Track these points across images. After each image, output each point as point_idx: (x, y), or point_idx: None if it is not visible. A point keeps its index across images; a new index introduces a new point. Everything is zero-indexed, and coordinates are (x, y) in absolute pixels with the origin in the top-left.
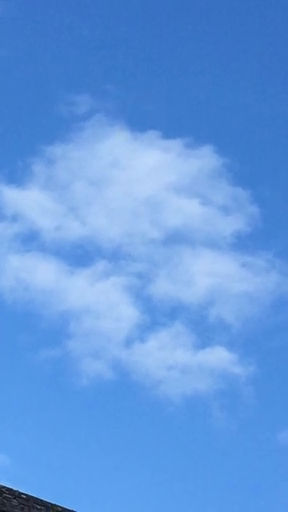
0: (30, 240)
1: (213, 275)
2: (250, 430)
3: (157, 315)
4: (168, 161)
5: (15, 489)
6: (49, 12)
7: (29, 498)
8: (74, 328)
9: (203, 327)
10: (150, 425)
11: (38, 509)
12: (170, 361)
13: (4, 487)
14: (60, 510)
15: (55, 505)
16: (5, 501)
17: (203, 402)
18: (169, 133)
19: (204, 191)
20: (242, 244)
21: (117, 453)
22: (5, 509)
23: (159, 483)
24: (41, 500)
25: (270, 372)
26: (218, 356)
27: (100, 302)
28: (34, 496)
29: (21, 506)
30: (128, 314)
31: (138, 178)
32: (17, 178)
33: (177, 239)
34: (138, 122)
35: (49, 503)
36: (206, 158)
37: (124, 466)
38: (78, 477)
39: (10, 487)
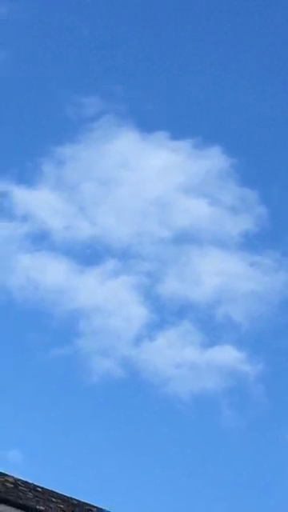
0: (40, 239)
1: (221, 274)
2: (258, 427)
3: (165, 314)
4: (176, 161)
5: (30, 482)
6: (53, 14)
7: (44, 490)
8: (84, 326)
9: (211, 326)
10: (159, 422)
11: (53, 501)
12: (179, 359)
13: (20, 480)
14: (75, 502)
15: (70, 497)
16: (20, 494)
17: (212, 400)
18: (177, 134)
19: (212, 192)
20: (250, 244)
21: (126, 449)
22: (21, 501)
23: (168, 479)
24: (56, 493)
25: (279, 370)
26: (227, 354)
27: (109, 300)
28: (50, 489)
29: (36, 498)
30: (137, 312)
31: (146, 178)
32: (27, 179)
33: (185, 239)
34: (147, 123)
35: (64, 496)
36: (214, 159)
37: (133, 462)
38: (88, 471)
39: (26, 480)
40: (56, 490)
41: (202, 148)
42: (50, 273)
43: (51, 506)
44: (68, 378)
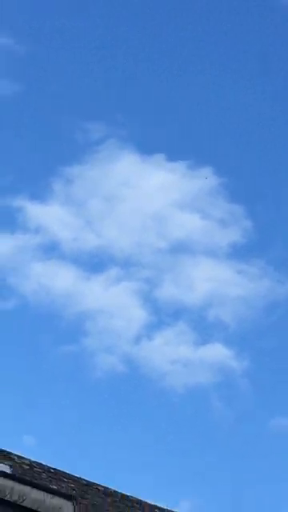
0: (51, 249)
1: (211, 281)
2: (245, 417)
3: (162, 316)
4: (172, 181)
5: (44, 464)
6: (61, 49)
7: (57, 472)
8: (90, 327)
9: (203, 326)
10: (156, 412)
11: (65, 481)
12: (174, 356)
13: (35, 462)
14: (85, 482)
15: (80, 478)
16: (35, 474)
17: (203, 393)
18: (173, 156)
19: (204, 207)
20: (238, 253)
21: (127, 436)
22: (36, 481)
23: (164, 462)
24: (67, 473)
25: (263, 366)
26: (217, 352)
27: (112, 304)
28: (61, 470)
29: (49, 478)
30: (137, 314)
31: (145, 195)
32: (39, 196)
33: (180, 249)
34: (146, 147)
35: (75, 476)
36: (205, 179)
37: (134, 446)
38: (95, 454)
39: (40, 462)
40: (67, 471)
41: (194, 169)
42: (60, 279)
43: (63, 485)
44: (75, 373)
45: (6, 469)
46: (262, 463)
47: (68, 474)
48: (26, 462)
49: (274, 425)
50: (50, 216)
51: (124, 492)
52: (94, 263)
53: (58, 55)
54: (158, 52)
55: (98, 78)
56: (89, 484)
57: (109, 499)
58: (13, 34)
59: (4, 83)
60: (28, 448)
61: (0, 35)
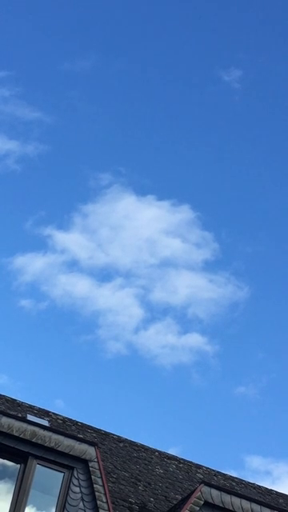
0: (72, 265)
1: (190, 287)
2: (215, 386)
3: (154, 313)
4: (160, 214)
5: (73, 419)
6: (79, 114)
7: (83, 425)
8: (102, 321)
9: (184, 320)
10: (150, 384)
11: (89, 432)
12: (163, 342)
13: (67, 418)
14: (103, 432)
15: (100, 429)
16: (67, 427)
17: (185, 369)
18: (161, 197)
19: (184, 233)
20: (209, 267)
21: (130, 400)
22: (67, 432)
23: (157, 420)
24: (91, 426)
25: (228, 349)
26: (194, 339)
27: (118, 304)
28: (86, 423)
29: (77, 430)
30: (136, 312)
31: (141, 225)
32: (64, 226)
33: (167, 264)
34: (141, 190)
35: (96, 428)
36: (184, 213)
37: (135, 409)
38: (111, 411)
39: (70, 418)
40: (90, 424)
41: (176, 206)
42: (79, 287)
43: (87, 434)
44: (92, 355)
45: (45, 423)
46: (227, 416)
47: (91, 426)
48: (60, 417)
49: (237, 391)
50: (71, 241)
51: (132, 439)
52: (104, 275)
53: (76, 124)
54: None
55: (105, 142)
56: (106, 433)
57: (121, 444)
58: (40, 108)
59: (36, 144)
60: (59, 409)
61: (32, 110)
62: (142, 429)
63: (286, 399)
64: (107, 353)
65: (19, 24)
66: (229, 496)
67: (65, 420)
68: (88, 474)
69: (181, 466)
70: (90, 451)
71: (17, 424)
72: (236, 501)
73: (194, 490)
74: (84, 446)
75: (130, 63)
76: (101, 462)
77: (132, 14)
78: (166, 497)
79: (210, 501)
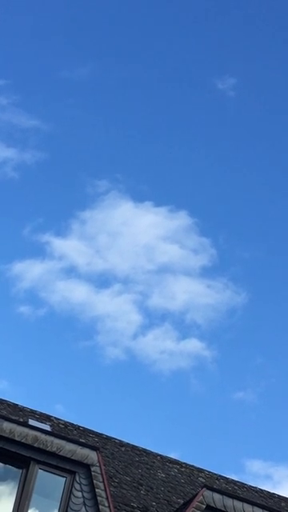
0: (71, 271)
1: (188, 293)
2: (214, 391)
3: (152, 318)
4: (158, 221)
5: (75, 423)
6: (74, 127)
7: (85, 429)
8: (100, 327)
9: (182, 326)
10: (149, 390)
11: (91, 436)
12: (162, 348)
13: (69, 422)
14: (105, 436)
15: (101, 433)
16: (68, 431)
17: (184, 375)
18: (158, 203)
19: (181, 239)
20: (206, 273)
21: (128, 406)
22: (69, 437)
23: (156, 425)
24: (92, 430)
25: (226, 355)
26: (193, 344)
27: (116, 310)
28: (87, 428)
29: (79, 434)
30: (134, 318)
31: (138, 232)
32: (62, 233)
33: (165, 270)
34: (138, 197)
35: (97, 432)
36: (182, 219)
37: (133, 414)
38: (111, 416)
39: (72, 422)
40: (91, 429)
41: (174, 212)
42: (77, 293)
43: (89, 439)
44: (90, 361)
45: (47, 427)
46: (223, 418)
47: (92, 430)
48: (62, 422)
49: (235, 397)
50: (69, 247)
51: (133, 443)
52: (102, 281)
53: (73, 131)
54: (146, 130)
55: (102, 149)
56: (108, 438)
57: (123, 449)
58: (38, 115)
59: (34, 152)
60: (59, 413)
61: (30, 118)
62: (142, 434)
63: (284, 404)
64: (106, 358)
65: (17, 32)
66: (231, 500)
67: (66, 425)
68: (90, 478)
69: (183, 469)
70: (91, 456)
71: (19, 429)
72: (238, 505)
73: (196, 493)
74: (86, 451)
75: (126, 71)
76: (103, 467)
77: (129, 23)
78: (168, 501)
79: (212, 505)
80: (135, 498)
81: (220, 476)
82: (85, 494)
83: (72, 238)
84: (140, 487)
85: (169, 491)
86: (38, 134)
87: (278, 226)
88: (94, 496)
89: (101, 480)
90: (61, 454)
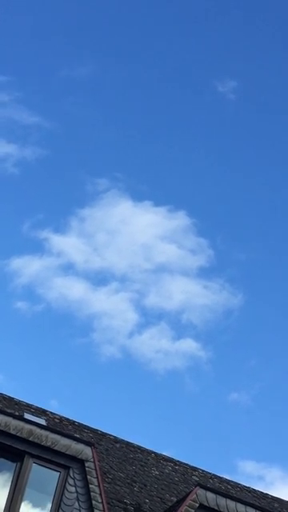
0: (68, 268)
1: (184, 293)
2: (208, 392)
3: (148, 317)
4: (156, 220)
5: (71, 418)
6: (76, 126)
7: (80, 425)
8: (97, 325)
9: (178, 326)
10: (144, 388)
11: (85, 432)
12: (157, 347)
13: (64, 417)
14: (100, 432)
15: (96, 429)
16: (64, 426)
17: (178, 374)
18: (157, 203)
19: (179, 239)
20: (203, 274)
21: (124, 404)
22: (64, 432)
23: (151, 422)
24: (87, 426)
25: (222, 355)
26: (188, 345)
27: (113, 308)
28: (83, 423)
29: (74, 429)
30: (130, 316)
31: (137, 230)
32: (60, 230)
33: (162, 269)
34: (137, 196)
35: (92, 428)
36: (180, 219)
37: (128, 411)
38: (106, 407)
39: (67, 417)
40: (86, 424)
41: (173, 212)
42: (75, 290)
43: (84, 434)
44: (86, 359)
45: (42, 422)
46: (217, 417)
47: (87, 426)
48: (57, 417)
49: (230, 398)
50: (68, 244)
51: (128, 440)
52: (100, 279)
53: (74, 129)
54: (147, 130)
55: (103, 147)
56: (103, 434)
57: (117, 445)
58: (39, 112)
59: (34, 148)
60: (54, 408)
61: (31, 114)
62: (136, 431)
63: (278, 406)
64: (102, 356)
65: (19, 30)
66: (224, 499)
67: (62, 419)
68: (84, 473)
69: (177, 468)
70: (86, 451)
71: (14, 422)
72: (231, 504)
73: (190, 492)
74: (80, 446)
75: (127, 70)
76: (97, 462)
77: (130, 23)
78: (161, 498)
79: (205, 503)
80: (128, 495)
81: (214, 475)
82: (78, 489)
83: (71, 235)
84: (134, 484)
85: (162, 489)
86: (39, 131)
87: (274, 229)
88: (88, 491)
89: (95, 476)
90: (55, 448)
